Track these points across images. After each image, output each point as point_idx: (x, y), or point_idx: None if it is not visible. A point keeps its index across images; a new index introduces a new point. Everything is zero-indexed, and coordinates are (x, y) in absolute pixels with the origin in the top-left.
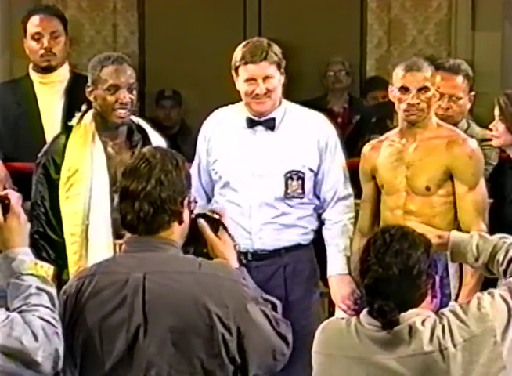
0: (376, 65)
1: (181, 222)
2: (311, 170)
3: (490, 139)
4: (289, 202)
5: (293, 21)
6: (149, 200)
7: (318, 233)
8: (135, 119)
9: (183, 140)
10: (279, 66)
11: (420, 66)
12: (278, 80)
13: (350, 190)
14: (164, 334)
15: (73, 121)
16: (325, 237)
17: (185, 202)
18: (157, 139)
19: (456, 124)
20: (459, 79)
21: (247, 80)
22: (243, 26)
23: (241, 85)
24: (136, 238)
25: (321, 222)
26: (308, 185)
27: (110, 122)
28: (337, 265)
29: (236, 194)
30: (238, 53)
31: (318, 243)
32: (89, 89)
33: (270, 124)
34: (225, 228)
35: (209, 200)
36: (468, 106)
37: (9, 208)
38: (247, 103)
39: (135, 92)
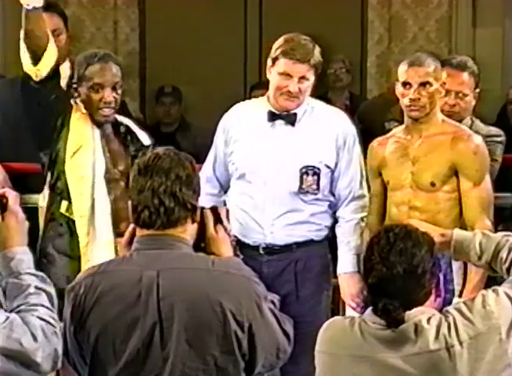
0: (376, 62)
1: (194, 220)
2: (328, 166)
3: (494, 136)
4: (303, 197)
5: (293, 18)
6: (170, 194)
7: (333, 230)
8: (119, 118)
9: (183, 137)
10: (316, 71)
11: (422, 61)
12: (311, 83)
13: (365, 190)
14: (179, 331)
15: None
16: (337, 235)
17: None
18: (142, 136)
19: (461, 121)
20: (466, 76)
21: (283, 74)
22: (243, 22)
23: (274, 77)
24: (149, 236)
25: (335, 219)
26: (324, 181)
27: (95, 120)
28: (347, 263)
29: (250, 187)
30: (281, 45)
31: (334, 240)
32: (74, 86)
33: (291, 119)
34: (222, 223)
35: (223, 191)
36: (473, 103)
37: (7, 207)
38: (275, 97)
39: (119, 91)
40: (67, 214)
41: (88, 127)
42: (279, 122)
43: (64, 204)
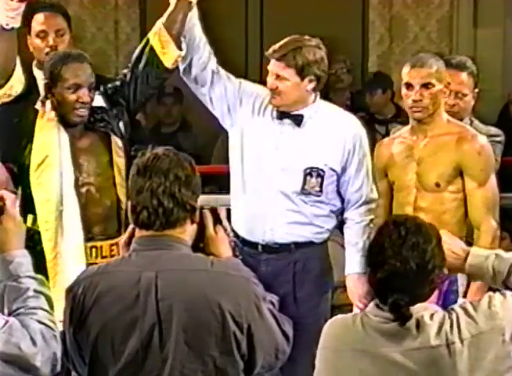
0: (377, 62)
1: (193, 221)
2: (333, 170)
3: (494, 135)
4: (305, 199)
5: (294, 19)
6: (168, 195)
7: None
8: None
9: (183, 137)
10: (299, 72)
11: (424, 62)
12: (294, 83)
13: (375, 194)
14: (178, 332)
15: (38, 105)
16: (345, 236)
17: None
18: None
19: (460, 121)
20: (465, 76)
21: (269, 71)
22: (244, 22)
23: None
24: (148, 236)
25: (340, 222)
26: (327, 184)
27: (69, 120)
28: (354, 264)
29: (253, 184)
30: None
31: None
32: (48, 86)
33: (297, 120)
34: (222, 223)
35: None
36: (472, 103)
37: (4, 210)
38: None
39: (93, 91)
40: (34, 227)
41: (54, 134)
42: (287, 121)
43: (30, 217)
